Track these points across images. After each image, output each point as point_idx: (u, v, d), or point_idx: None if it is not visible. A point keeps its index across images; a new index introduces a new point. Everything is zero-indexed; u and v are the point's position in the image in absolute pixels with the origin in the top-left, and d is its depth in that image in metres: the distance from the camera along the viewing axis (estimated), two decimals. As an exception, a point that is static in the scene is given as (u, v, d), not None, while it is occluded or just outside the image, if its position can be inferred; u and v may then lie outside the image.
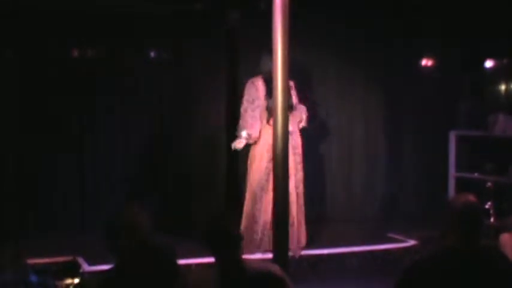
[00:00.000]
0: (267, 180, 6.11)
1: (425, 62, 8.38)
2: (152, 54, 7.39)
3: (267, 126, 6.23)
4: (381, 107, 8.26)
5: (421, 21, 7.85)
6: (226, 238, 3.39)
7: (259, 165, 6.26)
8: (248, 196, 6.33)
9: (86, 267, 5.52)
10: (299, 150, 6.33)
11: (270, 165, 6.13)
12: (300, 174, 6.32)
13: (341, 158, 8.07)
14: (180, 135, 7.36)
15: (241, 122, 6.36)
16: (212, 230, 3.45)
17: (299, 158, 6.32)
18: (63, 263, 4.59)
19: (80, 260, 5.67)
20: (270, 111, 6.25)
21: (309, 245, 6.42)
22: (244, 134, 6.28)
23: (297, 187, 6.26)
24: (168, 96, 7.38)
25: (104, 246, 3.26)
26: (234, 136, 6.44)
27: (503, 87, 8.19)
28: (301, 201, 6.31)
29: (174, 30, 7.17)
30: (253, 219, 6.19)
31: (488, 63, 8.25)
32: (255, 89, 6.34)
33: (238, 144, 6.29)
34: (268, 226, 6.07)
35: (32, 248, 5.79)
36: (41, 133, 6.98)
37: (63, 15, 6.81)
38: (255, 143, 6.33)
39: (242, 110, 6.38)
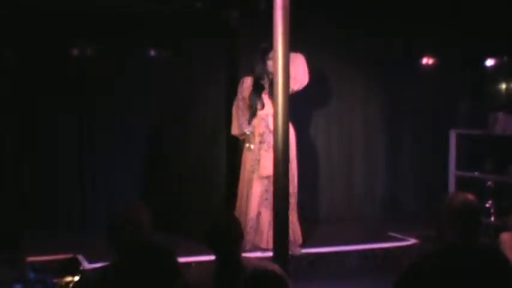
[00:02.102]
0: (253, 178, 6.18)
1: (426, 61, 8.39)
2: (152, 53, 7.39)
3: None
4: (380, 107, 8.26)
5: (421, 21, 7.85)
6: (227, 237, 3.40)
7: (245, 165, 6.30)
8: (239, 197, 6.42)
9: (86, 265, 5.53)
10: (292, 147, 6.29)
11: (254, 165, 6.21)
12: (293, 173, 6.30)
13: (341, 157, 8.07)
14: (180, 134, 7.37)
15: (233, 120, 6.46)
16: (213, 229, 3.46)
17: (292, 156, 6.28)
18: (63, 261, 4.60)
19: (80, 258, 5.68)
20: (254, 111, 6.30)
21: (307, 244, 6.43)
22: (252, 146, 6.34)
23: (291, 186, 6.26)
24: (168, 96, 7.39)
25: (104, 244, 3.27)
26: (233, 135, 6.53)
27: (503, 86, 8.19)
28: (294, 199, 6.29)
29: (174, 29, 7.17)
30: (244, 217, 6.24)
31: (489, 62, 8.26)
32: (242, 88, 6.41)
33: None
34: (251, 223, 6.16)
35: (32, 246, 5.78)
36: (41, 133, 6.99)
37: (63, 15, 6.81)
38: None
39: (235, 107, 6.47)
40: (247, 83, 6.39)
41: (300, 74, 6.30)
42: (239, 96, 6.43)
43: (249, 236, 6.15)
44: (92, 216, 7.05)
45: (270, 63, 6.03)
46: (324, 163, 7.97)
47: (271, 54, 5.81)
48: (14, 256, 3.16)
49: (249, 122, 6.33)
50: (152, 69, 7.29)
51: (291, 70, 5.63)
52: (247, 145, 6.37)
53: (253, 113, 6.32)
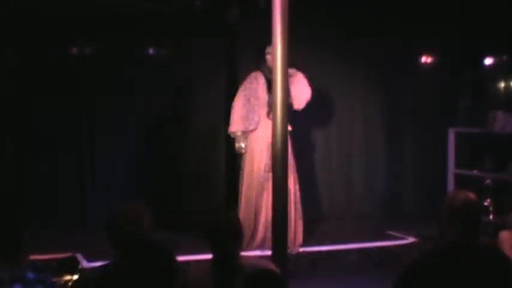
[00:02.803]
0: (267, 178, 6.14)
1: (425, 61, 8.39)
2: (152, 53, 7.40)
3: (267, 121, 6.28)
4: (380, 107, 8.27)
5: (421, 21, 7.85)
6: (228, 236, 3.40)
7: (259, 163, 6.29)
8: (247, 193, 6.37)
9: (85, 264, 5.54)
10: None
11: (270, 163, 6.18)
12: (295, 174, 6.30)
13: (341, 156, 8.08)
14: (180, 134, 7.38)
15: (236, 116, 6.38)
16: (213, 229, 3.46)
17: (292, 158, 6.29)
18: (62, 260, 4.59)
19: (79, 257, 5.68)
20: (271, 106, 6.28)
21: (307, 242, 6.44)
22: (243, 145, 6.34)
23: (293, 186, 6.27)
24: (168, 96, 7.39)
25: (103, 243, 3.28)
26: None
27: (502, 84, 8.19)
28: (298, 199, 6.31)
29: (174, 29, 7.18)
30: (254, 216, 6.23)
31: (488, 61, 8.27)
32: (257, 83, 6.37)
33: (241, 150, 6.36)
34: (269, 223, 6.13)
35: (32, 246, 5.78)
36: (41, 133, 7.00)
37: (63, 15, 6.82)
38: (255, 138, 6.34)
39: (239, 102, 6.40)
40: (261, 79, 6.36)
41: (301, 92, 6.34)
42: (251, 92, 6.34)
43: (268, 234, 6.16)
44: (92, 216, 7.05)
45: (268, 57, 6.05)
46: (324, 162, 7.98)
47: (269, 49, 5.83)
48: (13, 256, 3.17)
49: (268, 115, 6.29)
50: (152, 69, 7.30)
51: (292, 90, 5.70)
52: (238, 145, 6.35)
53: (271, 107, 6.31)
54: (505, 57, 8.11)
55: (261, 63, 6.36)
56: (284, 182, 4.76)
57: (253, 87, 6.36)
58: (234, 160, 7.17)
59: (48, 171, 7.03)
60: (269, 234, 6.09)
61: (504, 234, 4.86)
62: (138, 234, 3.20)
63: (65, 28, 6.89)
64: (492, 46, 8.00)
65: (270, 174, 6.12)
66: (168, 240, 3.50)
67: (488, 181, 7.30)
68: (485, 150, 7.74)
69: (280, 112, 4.69)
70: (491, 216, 7.05)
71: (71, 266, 4.01)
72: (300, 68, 6.82)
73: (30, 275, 2.98)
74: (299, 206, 6.35)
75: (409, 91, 8.26)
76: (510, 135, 7.30)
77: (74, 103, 7.09)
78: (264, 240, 6.19)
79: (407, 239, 6.80)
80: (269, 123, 6.23)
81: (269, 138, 6.20)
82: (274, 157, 4.75)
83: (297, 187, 6.36)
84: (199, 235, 3.59)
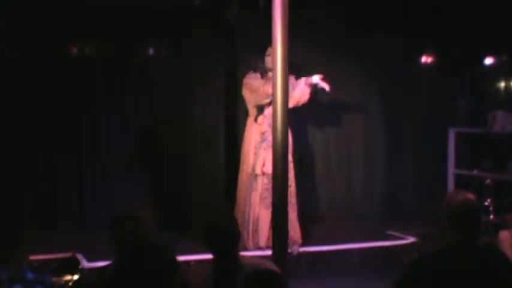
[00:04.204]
0: (255, 180, 6.19)
1: (425, 60, 8.39)
2: (152, 52, 7.40)
3: (254, 123, 6.32)
4: (380, 106, 8.27)
5: (420, 19, 7.85)
6: (225, 236, 3.41)
7: (247, 165, 6.31)
8: (238, 194, 6.46)
9: (85, 264, 5.54)
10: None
11: (256, 164, 6.22)
12: (292, 173, 6.31)
13: (341, 156, 8.08)
14: (179, 134, 7.38)
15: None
16: (212, 228, 3.47)
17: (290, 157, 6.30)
18: (62, 260, 4.60)
19: (79, 257, 5.68)
20: (260, 108, 6.30)
21: (307, 242, 6.44)
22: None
23: (289, 185, 6.26)
24: (168, 95, 7.39)
25: (104, 244, 3.28)
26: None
27: (502, 84, 8.21)
28: (294, 200, 6.32)
29: (174, 29, 7.18)
30: (243, 217, 6.26)
31: (488, 61, 8.27)
32: (258, 78, 6.38)
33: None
34: (257, 223, 6.21)
35: (32, 246, 5.79)
36: (41, 133, 7.00)
37: (63, 14, 6.82)
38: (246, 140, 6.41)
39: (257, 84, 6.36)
40: (258, 75, 6.37)
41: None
42: (258, 83, 6.33)
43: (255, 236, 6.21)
44: (92, 216, 7.05)
45: (268, 59, 6.06)
46: (323, 162, 7.98)
47: (268, 51, 5.85)
48: (13, 256, 3.17)
49: (256, 119, 6.33)
50: (152, 69, 7.30)
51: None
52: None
53: (260, 110, 6.33)
54: (504, 57, 8.12)
55: (258, 65, 6.36)
56: (284, 181, 4.76)
57: (257, 79, 6.38)
58: (233, 160, 7.17)
59: (48, 171, 7.03)
60: (257, 233, 6.15)
61: (504, 234, 4.86)
62: (140, 234, 3.20)
63: (65, 28, 6.88)
64: (492, 46, 8.00)
65: (258, 175, 6.20)
66: (167, 239, 3.51)
67: (488, 181, 7.31)
68: (485, 150, 7.75)
69: (281, 112, 4.68)
70: (491, 216, 7.06)
71: (72, 265, 4.01)
72: (300, 68, 6.83)
73: (30, 275, 2.97)
74: (295, 206, 6.35)
75: (409, 91, 8.26)
76: (510, 135, 7.31)
77: (74, 103, 7.09)
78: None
79: (407, 239, 6.80)
80: (256, 126, 6.31)
81: (256, 139, 6.29)
82: (274, 157, 4.75)
83: (294, 186, 6.36)
84: (199, 235, 3.59)
